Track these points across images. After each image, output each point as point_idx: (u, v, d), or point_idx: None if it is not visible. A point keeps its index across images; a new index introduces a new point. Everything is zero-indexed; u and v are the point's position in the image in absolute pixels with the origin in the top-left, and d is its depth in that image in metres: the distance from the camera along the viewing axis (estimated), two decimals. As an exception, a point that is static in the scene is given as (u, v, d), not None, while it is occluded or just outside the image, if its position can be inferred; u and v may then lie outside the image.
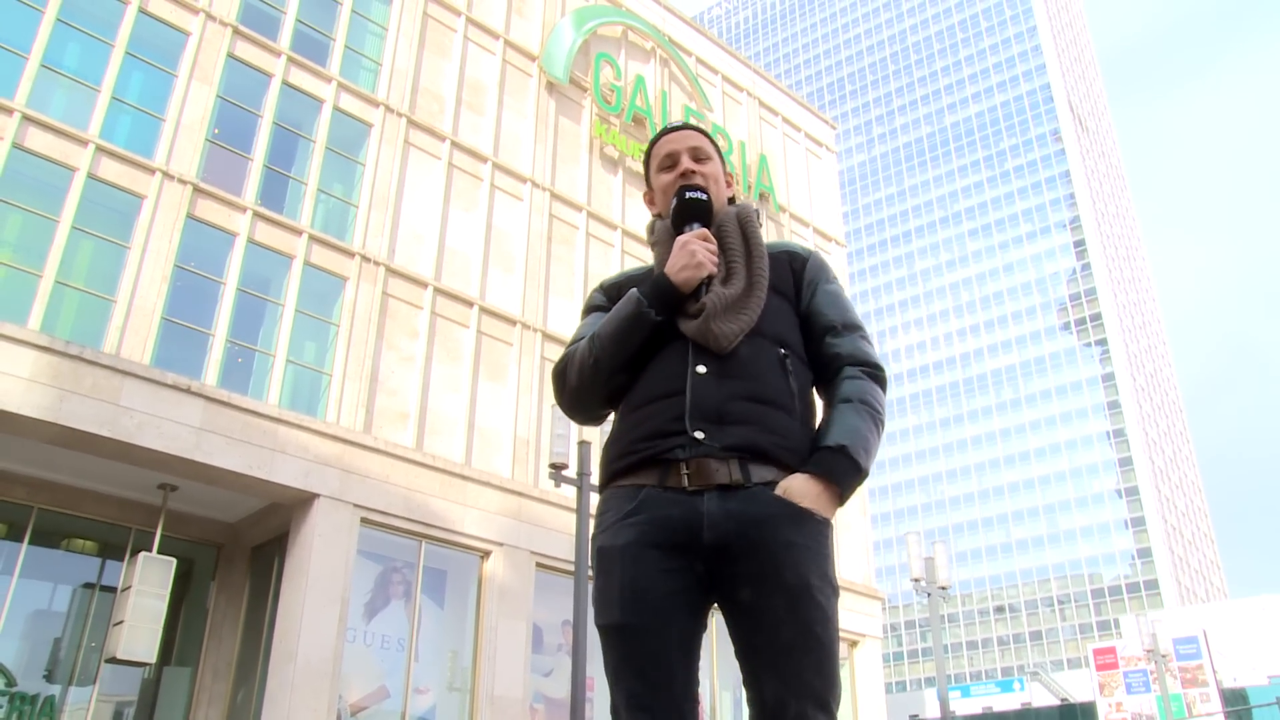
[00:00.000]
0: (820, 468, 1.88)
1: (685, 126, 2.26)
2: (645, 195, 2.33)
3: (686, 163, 2.18)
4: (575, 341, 2.12)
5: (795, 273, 2.14)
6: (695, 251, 1.98)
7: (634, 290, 2.02)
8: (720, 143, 2.48)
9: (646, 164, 2.29)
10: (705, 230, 2.06)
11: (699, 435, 1.88)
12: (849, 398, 1.98)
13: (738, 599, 1.85)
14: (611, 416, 2.14)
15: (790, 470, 1.90)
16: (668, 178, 2.20)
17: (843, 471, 1.88)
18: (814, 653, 1.80)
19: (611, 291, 2.21)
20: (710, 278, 2.00)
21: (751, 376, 1.95)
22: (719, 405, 1.91)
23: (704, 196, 2.11)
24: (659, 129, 2.27)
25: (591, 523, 11.10)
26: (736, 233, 2.10)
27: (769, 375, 1.97)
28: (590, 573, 1.99)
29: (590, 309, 2.22)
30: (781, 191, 25.48)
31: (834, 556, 1.94)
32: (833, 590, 1.88)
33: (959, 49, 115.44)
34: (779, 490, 1.86)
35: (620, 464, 1.96)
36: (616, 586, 1.87)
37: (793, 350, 2.04)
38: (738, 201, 2.24)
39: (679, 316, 1.99)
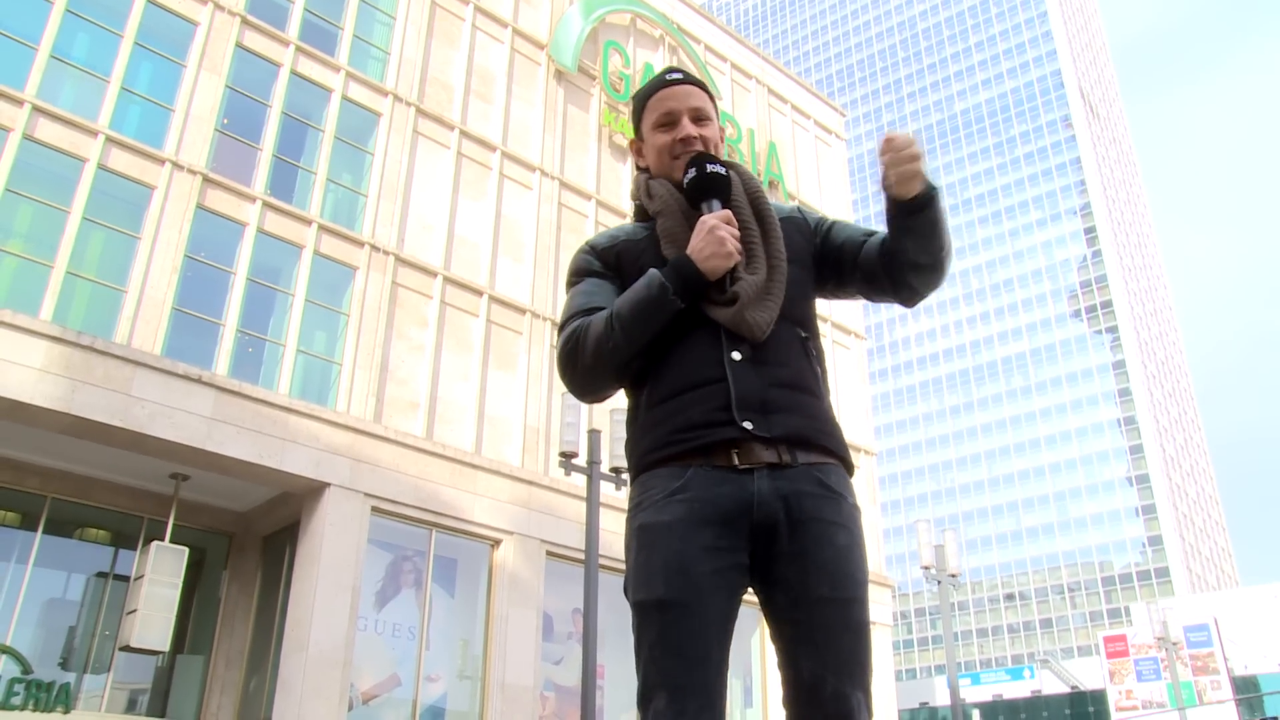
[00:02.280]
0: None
1: (687, 80, 2.13)
2: (632, 144, 2.23)
3: (688, 127, 2.08)
4: (576, 314, 2.01)
5: (805, 233, 2.14)
6: (725, 240, 1.90)
7: (655, 273, 1.93)
8: (719, 101, 2.27)
9: (640, 111, 2.16)
10: (728, 212, 1.97)
11: (748, 425, 1.87)
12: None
13: (778, 577, 1.86)
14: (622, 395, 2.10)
15: (830, 454, 1.94)
16: (665, 138, 2.10)
17: (933, 190, 1.97)
18: (851, 631, 1.83)
19: (607, 256, 2.10)
20: (735, 264, 1.94)
21: (783, 363, 1.96)
22: (761, 394, 1.90)
23: (724, 171, 2.01)
24: (650, 88, 2.18)
25: (602, 511, 11.08)
26: (748, 208, 2.05)
27: (797, 361, 1.99)
28: (628, 551, 1.94)
29: (583, 273, 2.10)
30: (791, 179, 25.40)
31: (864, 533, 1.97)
32: (867, 574, 1.91)
33: (969, 35, 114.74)
34: (887, 136, 1.97)
35: (663, 453, 1.91)
36: (660, 562, 1.83)
37: (810, 330, 2.06)
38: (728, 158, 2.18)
39: (705, 302, 1.95)
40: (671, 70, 2.16)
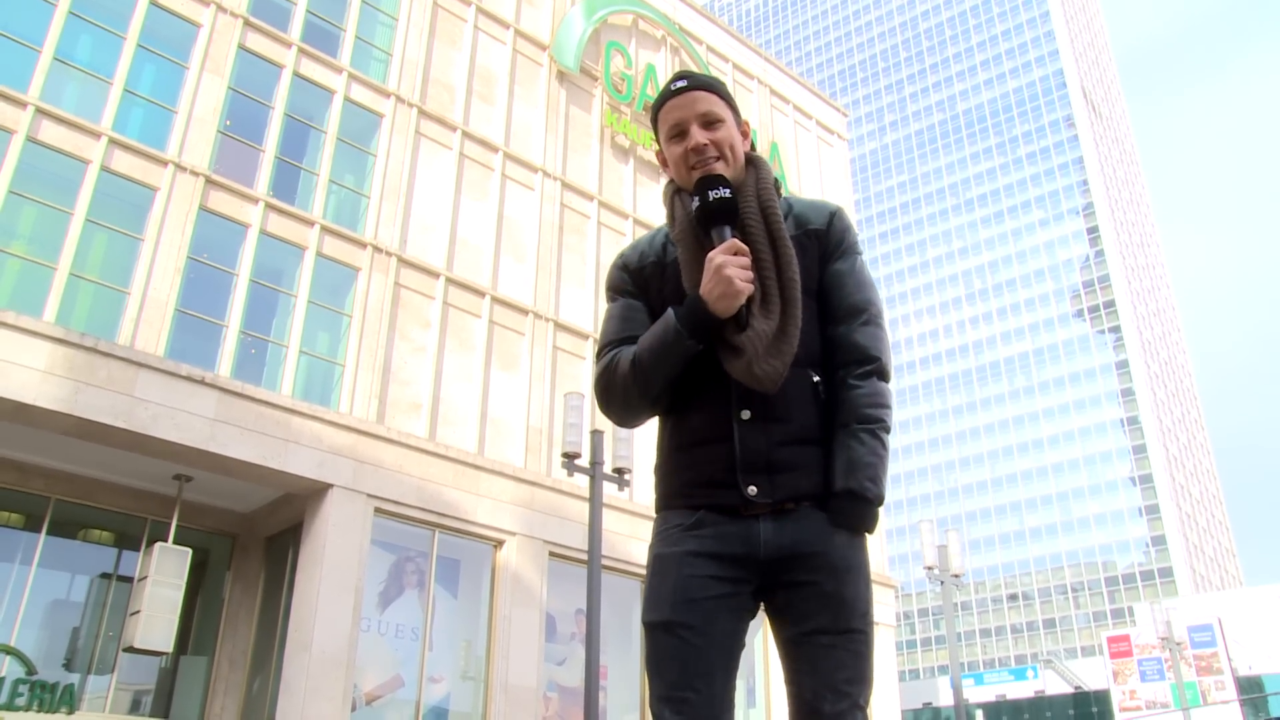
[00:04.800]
0: (838, 517, 1.93)
1: (692, 86, 2.09)
2: (658, 154, 2.22)
3: (698, 135, 2.05)
4: (610, 343, 2.08)
5: (819, 256, 2.09)
6: (732, 279, 1.88)
7: (670, 316, 1.95)
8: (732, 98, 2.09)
9: (655, 124, 2.16)
10: (736, 242, 1.94)
11: (751, 491, 1.92)
12: (848, 421, 1.96)
13: (783, 605, 1.94)
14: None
15: None
16: (677, 149, 2.08)
17: (858, 515, 1.94)
18: (851, 651, 1.90)
19: (638, 276, 2.13)
20: (749, 299, 1.92)
21: (791, 417, 1.97)
22: (767, 454, 1.94)
23: (728, 194, 1.97)
24: (658, 103, 2.16)
25: (605, 512, 11.08)
26: (763, 236, 1.99)
27: (806, 410, 1.99)
28: (646, 578, 2.06)
29: (617, 290, 2.15)
30: (793, 179, 25.39)
31: (869, 561, 2.02)
32: (870, 593, 1.97)
33: (971, 35, 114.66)
34: None
35: (675, 501, 2.01)
36: (669, 586, 1.93)
37: (821, 369, 2.03)
38: (754, 151, 2.15)
39: (720, 345, 1.94)
40: (679, 77, 2.13)
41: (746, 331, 1.91)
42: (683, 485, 1.99)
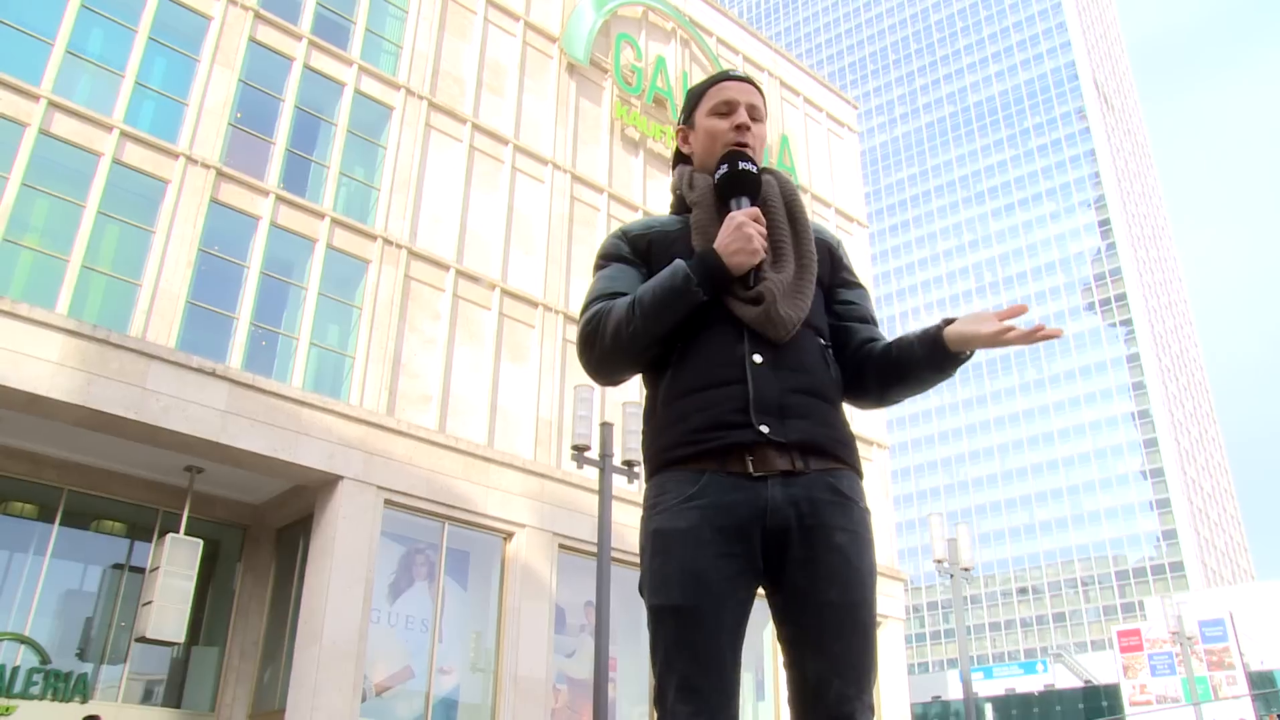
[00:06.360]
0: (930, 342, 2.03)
1: (750, 80, 2.18)
2: (679, 130, 2.24)
3: (743, 117, 2.11)
4: (599, 298, 2.03)
5: (828, 259, 2.17)
6: (752, 236, 1.93)
7: (680, 264, 1.95)
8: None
9: (696, 98, 2.19)
10: (756, 210, 2.00)
11: (764, 429, 1.89)
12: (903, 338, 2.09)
13: (788, 582, 1.89)
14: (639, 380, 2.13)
15: (840, 461, 1.96)
16: (720, 124, 2.12)
17: (947, 344, 2.05)
18: (857, 635, 1.86)
19: (638, 243, 2.11)
20: (760, 261, 1.97)
21: (803, 368, 1.97)
22: (779, 398, 1.92)
23: (755, 170, 2.04)
24: (712, 79, 2.23)
25: (614, 505, 11.06)
26: (782, 210, 2.08)
27: (817, 367, 2.00)
28: (643, 552, 1.96)
29: (611, 256, 2.12)
30: (803, 172, 25.33)
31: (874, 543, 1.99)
32: (875, 576, 1.94)
33: (982, 26, 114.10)
34: (953, 330, 1.98)
35: (679, 452, 1.92)
36: (676, 568, 1.86)
37: (828, 341, 2.09)
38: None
39: (730, 298, 1.97)
40: (734, 70, 2.22)
41: (764, 282, 1.96)
42: (689, 431, 1.91)
